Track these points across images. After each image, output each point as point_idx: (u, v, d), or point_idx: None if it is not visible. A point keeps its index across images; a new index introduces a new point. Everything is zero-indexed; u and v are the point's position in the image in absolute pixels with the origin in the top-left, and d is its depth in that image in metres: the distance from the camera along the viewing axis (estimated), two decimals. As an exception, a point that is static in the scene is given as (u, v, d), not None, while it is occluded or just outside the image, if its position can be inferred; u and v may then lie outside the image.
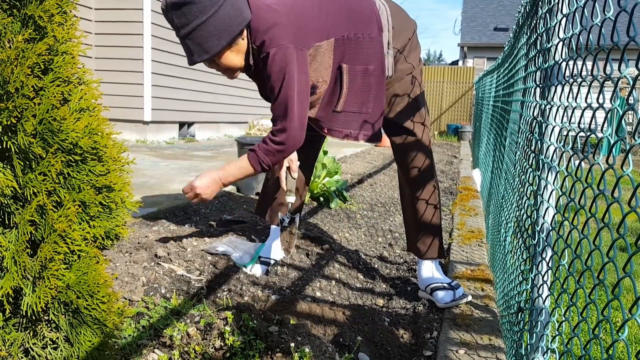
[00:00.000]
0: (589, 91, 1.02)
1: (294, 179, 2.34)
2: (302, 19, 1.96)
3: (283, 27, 1.92)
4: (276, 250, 2.55)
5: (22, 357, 1.19)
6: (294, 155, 2.32)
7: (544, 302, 1.32)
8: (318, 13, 2.01)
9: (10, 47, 1.05)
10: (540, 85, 1.51)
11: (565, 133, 1.22)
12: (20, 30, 1.05)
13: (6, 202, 1.10)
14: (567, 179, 1.16)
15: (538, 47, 1.62)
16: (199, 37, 1.86)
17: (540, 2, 1.65)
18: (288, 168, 2.33)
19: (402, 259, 2.90)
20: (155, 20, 7.73)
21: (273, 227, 2.59)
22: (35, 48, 1.03)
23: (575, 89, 1.11)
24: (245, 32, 1.95)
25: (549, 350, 1.25)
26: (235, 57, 1.98)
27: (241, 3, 1.91)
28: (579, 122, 1.07)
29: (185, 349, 1.60)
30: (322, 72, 2.04)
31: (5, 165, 1.09)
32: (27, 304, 1.12)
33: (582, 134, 1.06)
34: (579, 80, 1.08)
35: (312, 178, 3.24)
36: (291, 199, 2.32)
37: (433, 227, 2.33)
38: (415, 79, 2.23)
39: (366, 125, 2.21)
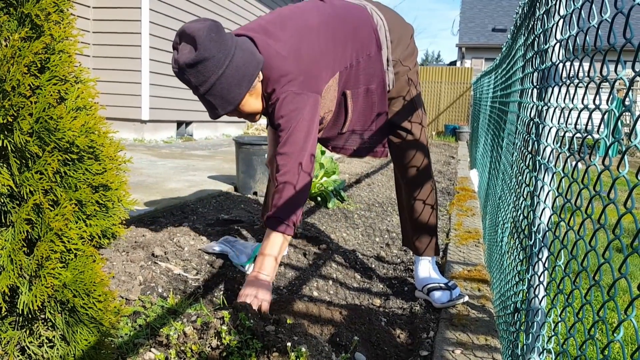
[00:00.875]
0: (585, 92, 1.02)
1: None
2: (314, 64, 1.93)
3: (294, 76, 1.89)
4: (273, 249, 2.54)
5: (18, 356, 1.19)
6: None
7: (540, 303, 1.32)
8: (325, 51, 1.97)
9: (6, 45, 1.04)
10: (538, 87, 1.52)
11: (562, 134, 1.22)
12: (17, 28, 1.05)
13: (2, 201, 1.10)
14: (563, 180, 1.16)
15: (535, 49, 1.62)
16: (219, 90, 1.82)
17: (537, 4, 1.66)
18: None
19: (399, 259, 2.91)
20: (154, 19, 7.72)
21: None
22: (31, 46, 1.02)
23: (572, 90, 1.11)
24: (260, 74, 1.91)
25: (545, 351, 1.25)
26: (255, 101, 1.94)
27: (250, 46, 1.87)
28: (576, 124, 1.07)
29: (182, 348, 1.60)
30: (328, 104, 2.05)
31: (1, 164, 1.08)
32: (24, 302, 1.11)
33: (578, 135, 1.06)
34: (576, 81, 1.08)
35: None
36: None
37: (430, 227, 2.34)
38: (411, 80, 2.23)
39: (370, 140, 2.23)
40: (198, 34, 1.74)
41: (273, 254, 1.86)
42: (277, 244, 1.86)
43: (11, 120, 1.03)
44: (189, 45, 1.77)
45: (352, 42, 2.04)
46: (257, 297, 1.82)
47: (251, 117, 2.01)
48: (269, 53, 1.90)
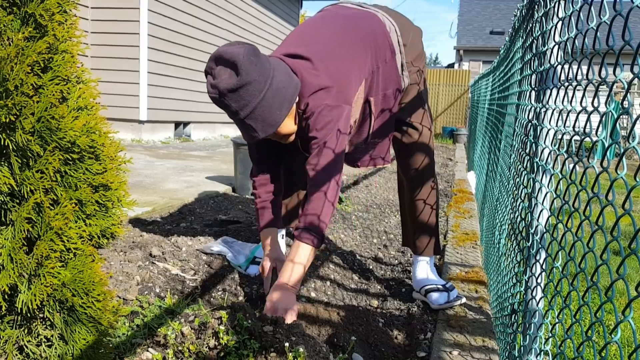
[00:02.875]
0: (584, 95, 1.03)
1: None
2: (343, 76, 1.93)
3: (327, 90, 1.88)
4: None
5: (16, 355, 1.19)
6: (282, 255, 2.13)
7: (537, 304, 1.32)
8: (350, 61, 1.97)
9: (10, 44, 1.05)
10: (536, 89, 1.52)
11: (560, 136, 1.23)
12: (21, 28, 1.05)
13: (3, 199, 1.10)
14: (561, 181, 1.17)
15: (534, 51, 1.63)
16: (260, 114, 1.78)
17: (536, 6, 1.66)
18: (274, 269, 2.09)
19: (396, 260, 2.91)
20: (152, 20, 7.72)
21: (268, 227, 2.59)
22: (35, 46, 1.03)
23: (570, 93, 1.12)
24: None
25: (542, 352, 1.25)
26: (290, 122, 1.91)
27: (285, 67, 1.85)
28: (574, 126, 1.08)
29: (180, 348, 1.61)
30: (354, 113, 2.04)
31: (2, 163, 1.09)
32: (23, 301, 1.12)
33: (576, 137, 1.07)
34: (574, 83, 1.09)
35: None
36: None
37: (430, 226, 2.35)
38: (420, 80, 2.25)
39: (379, 147, 2.25)
40: (238, 58, 1.70)
41: (302, 263, 1.82)
42: (306, 254, 1.83)
43: (13, 119, 1.03)
44: (229, 70, 1.71)
45: (371, 50, 2.03)
46: (286, 309, 1.78)
47: (286, 138, 1.97)
48: (300, 71, 1.88)
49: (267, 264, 2.08)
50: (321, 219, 1.82)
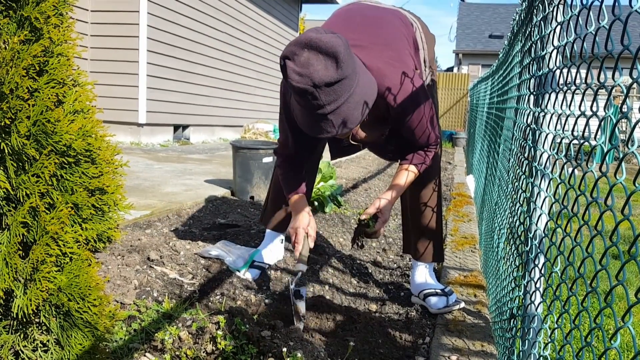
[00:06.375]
0: (582, 99, 1.03)
1: (311, 247, 2.09)
2: (407, 57, 2.01)
3: (405, 73, 1.93)
4: (270, 254, 2.54)
5: (12, 360, 1.18)
6: (313, 223, 2.12)
7: (536, 309, 1.32)
8: (405, 48, 2.03)
9: (5, 48, 1.04)
10: (534, 93, 1.52)
11: (558, 140, 1.22)
12: (16, 31, 1.05)
13: (-2, 204, 1.09)
14: (560, 186, 1.16)
15: (532, 55, 1.63)
16: (345, 110, 1.68)
17: (535, 10, 1.66)
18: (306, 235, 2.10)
19: (395, 264, 2.90)
20: (152, 23, 7.72)
21: (268, 231, 2.59)
22: (30, 49, 1.02)
23: (569, 97, 1.11)
24: None
25: (541, 358, 1.25)
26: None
27: (360, 63, 1.79)
28: (573, 130, 1.08)
29: (177, 353, 1.60)
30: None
31: (-2, 167, 1.08)
32: (18, 306, 1.11)
33: (575, 141, 1.06)
34: (573, 88, 1.09)
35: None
36: (302, 267, 2.03)
37: (431, 230, 2.34)
38: (431, 84, 2.26)
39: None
40: (339, 49, 1.58)
41: (406, 184, 2.12)
42: (414, 174, 2.12)
43: (9, 122, 1.03)
44: (323, 60, 1.59)
45: (401, 40, 2.06)
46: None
47: (346, 134, 1.88)
48: (376, 64, 1.88)
49: (300, 229, 2.08)
50: (427, 155, 2.13)
